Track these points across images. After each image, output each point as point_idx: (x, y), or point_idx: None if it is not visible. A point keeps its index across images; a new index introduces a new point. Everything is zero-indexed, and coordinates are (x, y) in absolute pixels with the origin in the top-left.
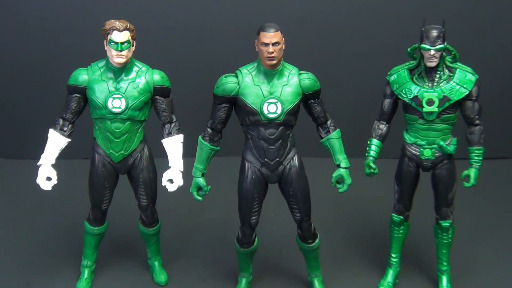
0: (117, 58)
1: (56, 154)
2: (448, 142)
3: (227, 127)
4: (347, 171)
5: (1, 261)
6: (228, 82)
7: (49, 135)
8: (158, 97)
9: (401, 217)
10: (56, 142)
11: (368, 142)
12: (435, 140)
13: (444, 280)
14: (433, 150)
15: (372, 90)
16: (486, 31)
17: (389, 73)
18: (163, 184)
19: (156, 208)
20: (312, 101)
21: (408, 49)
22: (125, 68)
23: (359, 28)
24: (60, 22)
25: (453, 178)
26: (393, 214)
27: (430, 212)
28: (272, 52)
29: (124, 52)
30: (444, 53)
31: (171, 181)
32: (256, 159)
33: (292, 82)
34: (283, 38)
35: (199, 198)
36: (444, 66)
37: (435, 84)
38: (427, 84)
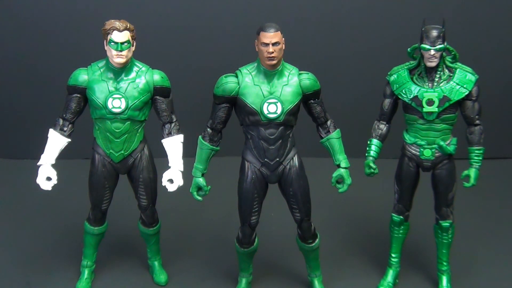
0: (117, 58)
1: (56, 154)
2: (448, 142)
3: (227, 127)
4: (347, 171)
5: (1, 261)
6: (228, 82)
7: (49, 135)
8: (158, 97)
9: (401, 217)
10: (56, 142)
11: (368, 142)
12: (435, 140)
13: (444, 280)
14: (433, 150)
15: (372, 90)
16: (486, 31)
17: (389, 73)
18: (163, 184)
19: (156, 208)
20: (312, 101)
21: (408, 49)
22: (125, 68)
23: (359, 28)
24: (60, 22)
25: (453, 178)
26: (393, 214)
27: (430, 212)
28: (272, 52)
29: (124, 52)
30: (444, 53)
31: (171, 181)
32: (256, 159)
33: (292, 82)
34: (283, 38)
35: (199, 198)
36: (444, 66)
37: (435, 84)
38: (427, 84)
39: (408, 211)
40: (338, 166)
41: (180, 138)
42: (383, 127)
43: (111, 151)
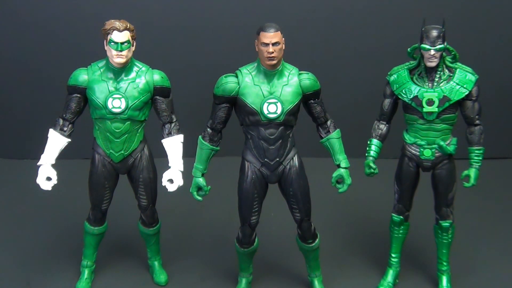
0: (117, 58)
1: (56, 154)
2: (448, 142)
3: (227, 127)
4: (347, 171)
5: (1, 261)
6: (228, 82)
7: (49, 135)
8: (158, 97)
9: (401, 217)
10: (56, 142)
11: (368, 142)
12: (435, 140)
13: (444, 280)
14: (433, 150)
15: (372, 90)
16: (486, 31)
17: (389, 73)
18: (163, 184)
19: (156, 208)
20: (312, 101)
21: (408, 49)
22: (125, 68)
23: (359, 28)
24: (60, 22)
25: (453, 178)
26: (393, 214)
27: (430, 212)
28: (272, 52)
29: (124, 52)
30: (444, 53)
31: (171, 181)
32: (256, 159)
33: (292, 82)
34: (283, 38)
35: (199, 198)
36: (444, 66)
37: (435, 84)
38: (427, 84)
39: (408, 211)
40: (338, 166)
41: (180, 138)
42: (383, 127)
43: (111, 151)
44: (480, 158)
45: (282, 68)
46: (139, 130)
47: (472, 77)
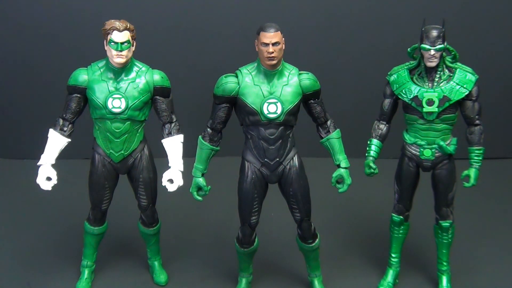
0: (117, 58)
1: (56, 154)
2: (448, 142)
3: (227, 127)
4: (347, 171)
5: (1, 261)
6: (228, 82)
7: (49, 135)
8: (158, 97)
9: (401, 217)
10: (56, 142)
11: (368, 142)
12: (435, 140)
13: (444, 280)
14: (433, 150)
15: (372, 90)
16: (486, 31)
17: (389, 73)
18: (163, 184)
19: (156, 208)
20: (312, 101)
21: (408, 49)
22: (125, 68)
23: (359, 28)
24: (60, 22)
25: (453, 178)
26: (393, 214)
27: (430, 212)
28: (272, 52)
29: (124, 52)
30: (444, 53)
31: (171, 181)
32: (256, 159)
33: (292, 82)
34: (283, 38)
35: (199, 198)
36: (444, 66)
37: (435, 84)
38: (427, 84)
39: (408, 211)
40: (338, 166)
41: (180, 138)
42: (383, 127)
43: (111, 151)
44: (480, 158)
45: (282, 68)
46: (139, 130)
47: (472, 77)
